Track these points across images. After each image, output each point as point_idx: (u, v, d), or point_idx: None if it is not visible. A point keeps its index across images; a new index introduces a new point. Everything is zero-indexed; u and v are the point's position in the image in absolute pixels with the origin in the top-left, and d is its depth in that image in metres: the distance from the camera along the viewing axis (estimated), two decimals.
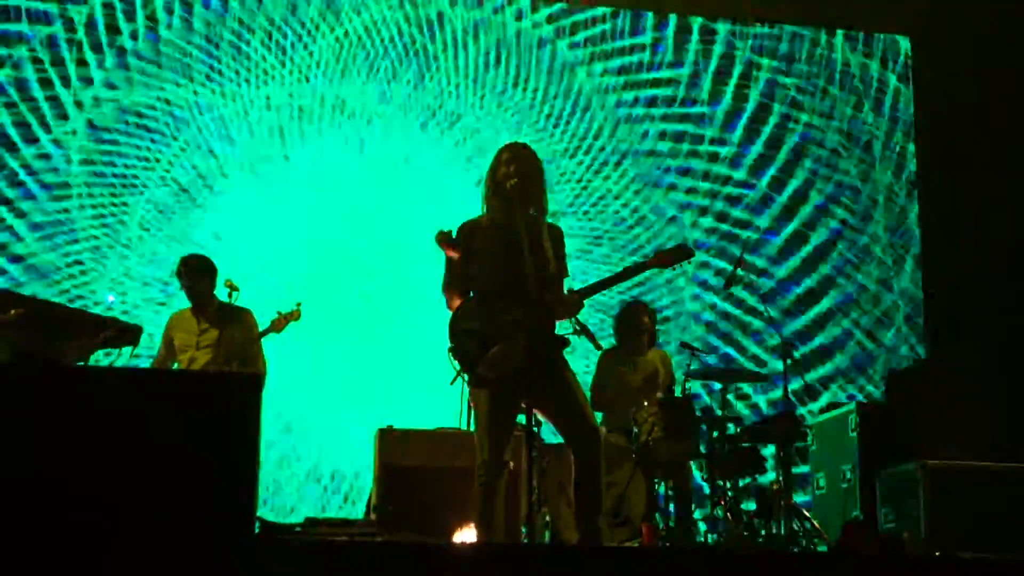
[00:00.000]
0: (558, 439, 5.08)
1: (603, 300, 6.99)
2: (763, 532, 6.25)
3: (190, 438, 3.01)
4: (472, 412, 4.68)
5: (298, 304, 6.58)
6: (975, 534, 5.69)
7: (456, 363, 4.55)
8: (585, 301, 4.68)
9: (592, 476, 4.52)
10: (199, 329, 6.47)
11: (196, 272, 6.52)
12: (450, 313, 4.64)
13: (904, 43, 9.26)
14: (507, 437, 4.59)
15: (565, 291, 4.70)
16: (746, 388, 6.71)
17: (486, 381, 4.51)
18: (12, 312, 4.23)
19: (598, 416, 6.70)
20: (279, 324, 6.54)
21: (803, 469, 7.25)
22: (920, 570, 3.77)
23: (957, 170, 8.72)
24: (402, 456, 6.13)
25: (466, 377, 4.56)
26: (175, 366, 6.45)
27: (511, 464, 4.73)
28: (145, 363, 6.60)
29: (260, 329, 6.52)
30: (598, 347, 6.96)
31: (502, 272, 4.61)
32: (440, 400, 5.35)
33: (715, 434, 6.42)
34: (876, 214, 8.96)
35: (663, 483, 6.39)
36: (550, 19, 8.85)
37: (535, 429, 4.72)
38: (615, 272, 4.82)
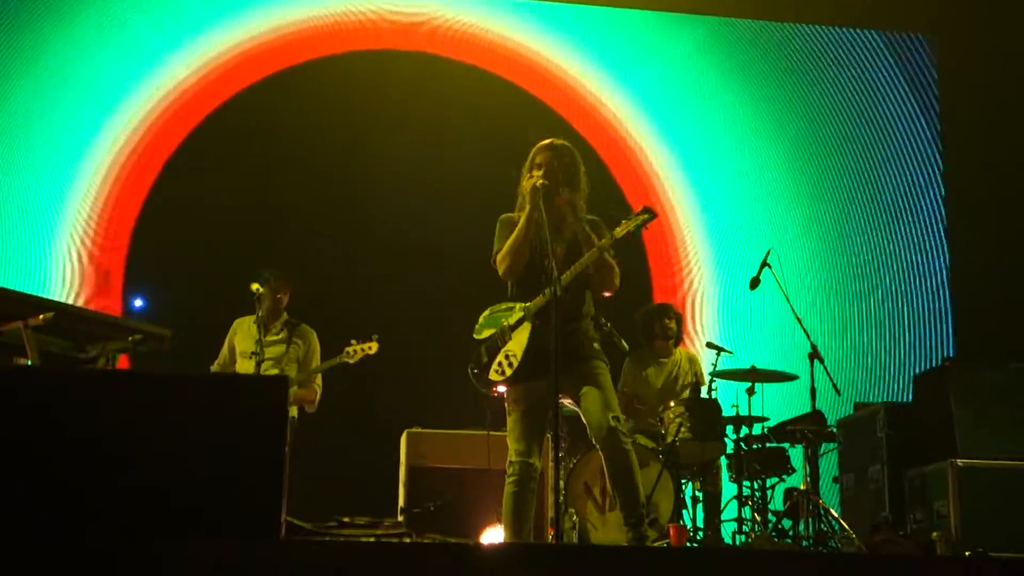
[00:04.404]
0: (584, 440, 5.07)
1: (629, 303, 6.92)
2: (791, 533, 6.22)
3: (216, 440, 3.02)
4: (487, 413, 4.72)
5: (375, 336, 6.38)
6: (1006, 534, 5.65)
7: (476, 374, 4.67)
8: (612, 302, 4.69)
9: (619, 472, 4.47)
10: (266, 341, 6.34)
11: (276, 285, 6.48)
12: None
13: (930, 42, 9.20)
14: (539, 439, 4.59)
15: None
16: (773, 388, 6.66)
17: (494, 385, 4.59)
18: (42, 317, 4.26)
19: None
20: (353, 355, 6.39)
21: (831, 469, 7.20)
22: (950, 571, 3.73)
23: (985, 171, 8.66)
24: (429, 458, 6.16)
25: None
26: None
27: (540, 467, 4.73)
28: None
29: (328, 355, 6.46)
30: (624, 349, 6.97)
31: (527, 272, 4.62)
32: (467, 402, 5.34)
33: (742, 434, 6.40)
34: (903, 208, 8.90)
35: (690, 484, 6.37)
36: None
37: (560, 431, 4.72)
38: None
